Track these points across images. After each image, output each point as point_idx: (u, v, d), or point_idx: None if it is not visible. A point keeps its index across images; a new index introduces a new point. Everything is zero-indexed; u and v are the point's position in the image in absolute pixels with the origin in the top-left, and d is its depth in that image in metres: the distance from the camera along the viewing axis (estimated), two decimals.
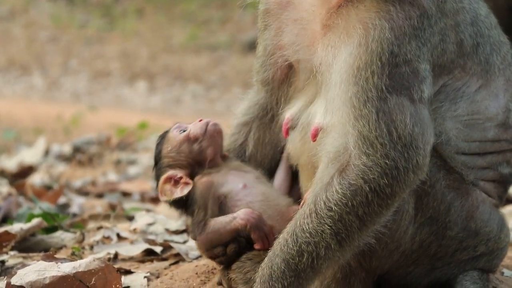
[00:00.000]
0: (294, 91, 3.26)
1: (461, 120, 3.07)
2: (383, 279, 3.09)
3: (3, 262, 3.76)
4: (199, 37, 21.84)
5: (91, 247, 4.00)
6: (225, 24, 22.53)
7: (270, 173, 3.44)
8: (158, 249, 3.87)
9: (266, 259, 2.92)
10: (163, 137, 3.36)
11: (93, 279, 3.21)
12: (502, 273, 3.50)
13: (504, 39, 3.27)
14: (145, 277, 3.45)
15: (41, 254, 3.74)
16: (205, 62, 20.44)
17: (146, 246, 3.89)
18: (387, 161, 2.79)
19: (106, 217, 4.66)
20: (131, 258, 3.83)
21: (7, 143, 10.56)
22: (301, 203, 3.08)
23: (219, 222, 3.19)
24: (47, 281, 3.17)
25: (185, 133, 3.30)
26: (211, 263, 3.41)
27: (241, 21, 22.38)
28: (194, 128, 3.31)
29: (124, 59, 20.83)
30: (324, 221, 2.82)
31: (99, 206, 5.67)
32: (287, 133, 3.22)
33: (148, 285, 3.38)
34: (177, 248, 3.81)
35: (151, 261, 3.76)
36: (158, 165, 3.34)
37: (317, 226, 2.82)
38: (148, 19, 23.30)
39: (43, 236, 4.19)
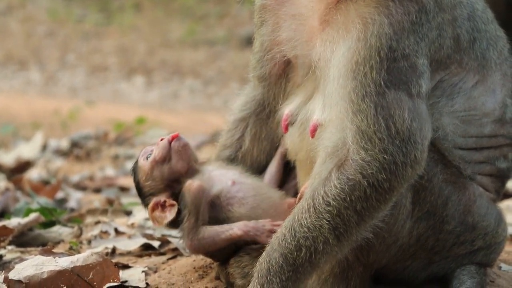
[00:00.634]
0: (292, 87, 3.26)
1: (458, 116, 3.07)
2: (381, 273, 3.10)
3: (0, 256, 3.76)
4: (196, 32, 21.81)
5: (89, 242, 4.00)
6: (223, 19, 22.50)
7: (266, 169, 3.45)
8: (156, 243, 3.87)
9: (264, 253, 2.92)
10: (134, 168, 3.38)
11: (91, 274, 3.21)
12: (500, 267, 3.50)
13: (501, 34, 3.27)
14: (143, 271, 3.45)
15: (39, 248, 3.74)
16: (203, 57, 20.42)
17: (144, 240, 3.89)
18: (385, 156, 2.79)
19: (104, 211, 4.66)
20: (129, 253, 3.83)
21: (4, 137, 10.55)
22: (298, 197, 3.08)
23: (214, 230, 3.20)
24: (45, 276, 3.17)
25: (151, 158, 3.30)
26: (209, 258, 3.41)
27: (239, 16, 22.35)
28: (157, 150, 3.30)
29: (121, 54, 20.80)
30: (322, 215, 2.82)
31: (96, 201, 5.67)
32: (286, 128, 3.22)
33: (146, 280, 3.38)
34: (175, 242, 3.81)
35: (149, 255, 3.76)
36: (142, 196, 3.36)
37: (315, 220, 2.82)
38: (146, 13, 23.26)
39: (41, 230, 4.19)
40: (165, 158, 3.28)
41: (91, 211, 4.67)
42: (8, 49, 20.93)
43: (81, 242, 4.00)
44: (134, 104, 16.68)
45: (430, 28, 2.93)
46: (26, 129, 11.48)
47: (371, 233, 2.89)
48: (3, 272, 3.35)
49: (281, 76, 3.29)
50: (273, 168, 3.44)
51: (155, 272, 3.49)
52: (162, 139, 3.32)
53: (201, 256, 3.49)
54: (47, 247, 3.71)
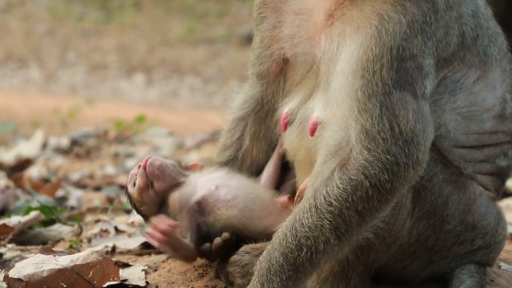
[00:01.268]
0: (291, 85, 3.25)
1: (459, 112, 3.07)
2: (381, 273, 3.10)
3: (0, 255, 3.76)
4: (196, 30, 21.81)
5: (89, 240, 4.00)
6: (223, 17, 22.49)
7: (264, 168, 3.45)
8: None
9: (264, 252, 2.92)
10: (128, 196, 3.44)
11: (91, 272, 3.21)
12: (499, 267, 3.50)
13: (499, 30, 3.29)
14: (143, 270, 3.45)
15: (39, 247, 3.74)
16: (203, 55, 20.42)
17: (144, 239, 3.89)
18: (388, 157, 2.79)
19: (104, 210, 4.66)
20: (129, 251, 3.83)
21: (4, 136, 10.55)
22: (296, 197, 3.08)
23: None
24: (45, 274, 3.17)
25: (136, 187, 3.37)
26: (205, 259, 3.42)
27: (239, 14, 22.35)
28: (138, 179, 3.36)
29: (121, 52, 20.80)
30: (324, 215, 2.81)
31: (97, 199, 5.67)
32: (285, 127, 3.21)
33: (146, 278, 3.38)
34: None
35: (149, 254, 3.76)
36: (144, 218, 3.45)
37: (317, 220, 2.82)
38: (146, 12, 23.25)
39: (41, 229, 4.19)
40: (147, 185, 3.34)
41: (91, 210, 4.66)
42: (8, 47, 20.93)
43: (81, 241, 4.00)
44: (134, 102, 16.69)
45: (438, 27, 2.92)
46: (26, 127, 11.48)
47: (371, 233, 2.89)
48: (3, 271, 3.35)
49: (279, 74, 3.28)
50: (270, 168, 3.44)
51: (155, 270, 3.49)
52: (139, 166, 3.37)
53: None
54: (47, 245, 3.71)
